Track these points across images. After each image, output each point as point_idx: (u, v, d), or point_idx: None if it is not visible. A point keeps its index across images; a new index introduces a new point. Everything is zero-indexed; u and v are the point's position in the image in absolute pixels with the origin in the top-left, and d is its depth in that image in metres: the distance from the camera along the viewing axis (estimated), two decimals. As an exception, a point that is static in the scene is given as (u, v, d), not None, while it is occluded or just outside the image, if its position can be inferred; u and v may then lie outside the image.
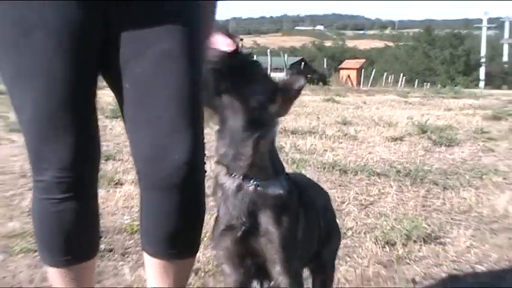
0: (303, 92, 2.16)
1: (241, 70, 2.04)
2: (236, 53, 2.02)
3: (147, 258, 2.30)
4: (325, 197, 2.64)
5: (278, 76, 2.17)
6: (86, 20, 2.02)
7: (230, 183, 2.07)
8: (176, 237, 2.23)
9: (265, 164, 2.08)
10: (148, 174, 2.17)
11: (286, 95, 2.08)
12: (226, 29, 2.10)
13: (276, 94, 2.06)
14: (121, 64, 2.09)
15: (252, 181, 2.05)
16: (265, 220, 2.05)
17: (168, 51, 2.06)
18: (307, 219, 2.23)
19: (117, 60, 2.09)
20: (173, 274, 2.27)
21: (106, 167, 5.69)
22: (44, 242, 2.29)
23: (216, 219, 2.15)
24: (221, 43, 2.01)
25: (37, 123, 2.08)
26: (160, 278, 2.28)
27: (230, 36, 2.02)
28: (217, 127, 2.10)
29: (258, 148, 2.04)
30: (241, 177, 2.05)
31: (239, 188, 2.05)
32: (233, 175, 2.06)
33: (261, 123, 2.05)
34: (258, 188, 2.05)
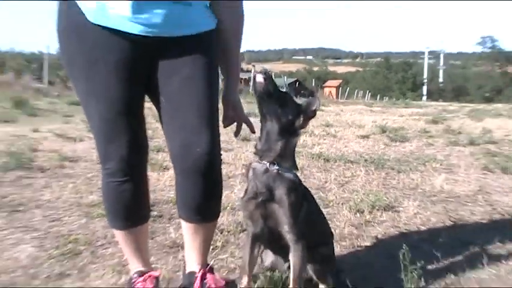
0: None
1: (275, 96, 2.78)
2: (269, 83, 2.77)
3: (183, 222, 3.03)
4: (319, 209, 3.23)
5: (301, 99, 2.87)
6: (136, 56, 2.68)
7: (260, 167, 2.78)
8: (201, 207, 2.92)
9: (286, 159, 2.79)
10: (179, 162, 2.83)
11: (306, 114, 2.79)
12: (264, 69, 2.88)
13: (299, 114, 2.78)
14: (159, 84, 2.77)
15: (274, 166, 2.75)
16: (280, 192, 2.73)
17: (191, 75, 2.74)
18: (307, 211, 2.87)
19: (156, 82, 2.77)
20: (201, 233, 3.01)
21: (157, 157, 6.68)
22: (111, 212, 3.01)
23: (245, 191, 2.86)
24: (258, 77, 2.80)
25: (102, 128, 2.76)
26: (192, 236, 3.02)
27: (264, 72, 2.80)
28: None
29: (284, 148, 2.78)
30: (268, 163, 2.75)
31: (266, 170, 2.76)
32: (263, 162, 2.77)
33: (288, 132, 2.78)
34: (279, 171, 2.75)
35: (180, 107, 2.76)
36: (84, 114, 2.81)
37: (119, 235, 3.05)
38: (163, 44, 2.70)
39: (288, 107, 2.78)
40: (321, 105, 2.95)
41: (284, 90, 2.94)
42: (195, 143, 2.74)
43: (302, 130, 2.88)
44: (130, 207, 2.95)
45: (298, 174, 2.86)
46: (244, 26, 3.01)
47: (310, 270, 3.02)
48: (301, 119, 2.79)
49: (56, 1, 2.68)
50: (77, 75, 2.71)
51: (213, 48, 2.84)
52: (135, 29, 2.59)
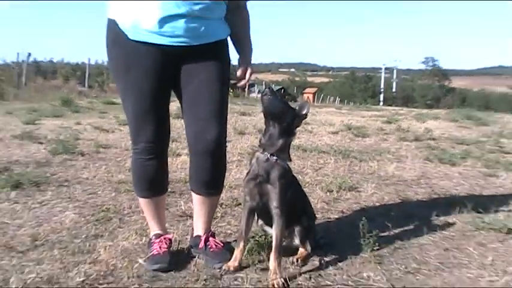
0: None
1: (278, 106, 2.80)
2: (273, 97, 2.79)
3: (193, 195, 3.14)
4: (303, 190, 3.31)
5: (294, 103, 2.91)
6: (164, 62, 2.79)
7: (262, 156, 2.82)
8: (208, 182, 3.03)
9: (283, 152, 2.82)
10: (194, 145, 2.94)
11: (299, 117, 2.86)
12: (269, 87, 2.95)
13: (295, 118, 2.84)
14: (182, 84, 2.90)
15: (273, 157, 2.79)
16: (274, 176, 2.78)
17: (207, 78, 2.85)
18: (293, 191, 2.94)
19: (180, 81, 2.89)
20: (207, 204, 3.11)
21: (172, 145, 6.50)
22: (138, 184, 3.08)
23: (247, 173, 2.91)
24: (264, 94, 2.82)
25: (134, 117, 2.88)
26: (200, 206, 3.12)
27: (270, 90, 2.83)
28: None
29: (283, 144, 2.80)
30: (269, 154, 2.79)
31: (267, 160, 2.80)
32: (265, 153, 2.80)
33: (287, 132, 2.82)
34: (278, 161, 2.79)
35: (198, 102, 2.87)
36: (122, 107, 2.96)
37: (143, 202, 3.11)
38: (185, 51, 2.78)
39: (287, 114, 2.81)
40: (309, 109, 2.93)
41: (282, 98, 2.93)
42: (207, 130, 2.86)
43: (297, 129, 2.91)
44: (153, 180, 3.02)
45: (291, 164, 2.88)
46: (249, 22, 3.12)
47: (295, 237, 3.06)
48: (296, 121, 2.85)
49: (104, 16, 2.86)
50: (119, 76, 2.86)
51: (226, 52, 2.96)
52: (162, 40, 2.71)
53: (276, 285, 2.63)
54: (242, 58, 3.07)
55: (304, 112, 2.87)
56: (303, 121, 2.92)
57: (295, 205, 2.98)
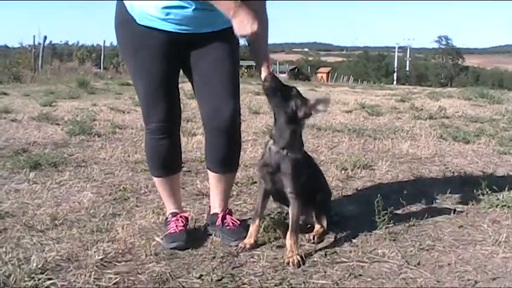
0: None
1: (280, 92, 2.72)
2: (273, 81, 2.72)
3: (209, 172, 3.14)
4: (319, 169, 3.31)
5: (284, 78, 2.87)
6: (171, 45, 2.80)
7: (274, 148, 2.79)
8: (224, 160, 3.05)
9: (293, 143, 2.77)
10: (209, 123, 2.95)
11: (308, 109, 2.73)
12: (271, 71, 2.87)
13: (302, 106, 2.72)
14: (192, 65, 2.90)
15: (284, 150, 2.76)
16: (285, 167, 2.76)
17: (218, 57, 2.84)
18: (308, 175, 2.90)
19: (190, 63, 2.89)
20: (223, 182, 3.12)
21: (187, 125, 6.65)
22: (152, 163, 3.10)
23: (262, 157, 2.91)
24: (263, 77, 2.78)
25: (145, 98, 2.90)
26: (216, 184, 3.13)
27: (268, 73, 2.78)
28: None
29: (291, 135, 2.75)
30: (279, 147, 2.76)
31: (277, 152, 2.77)
32: (276, 145, 2.77)
33: (293, 122, 2.74)
34: (287, 154, 2.76)
35: (211, 81, 2.88)
36: (134, 87, 3.00)
37: (157, 181, 3.12)
38: (192, 37, 2.80)
39: (291, 100, 2.72)
40: (327, 107, 2.82)
41: (291, 86, 2.83)
42: (222, 108, 2.87)
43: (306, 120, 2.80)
44: (166, 159, 3.03)
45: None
46: (268, 28, 2.96)
47: (311, 214, 3.06)
48: (303, 110, 2.73)
49: (115, 0, 2.87)
50: (128, 57, 2.91)
51: (234, 37, 2.75)
52: (168, 27, 2.74)
53: (291, 263, 2.65)
54: (257, 65, 2.92)
55: (319, 108, 2.76)
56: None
57: (312, 185, 2.97)
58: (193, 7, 2.69)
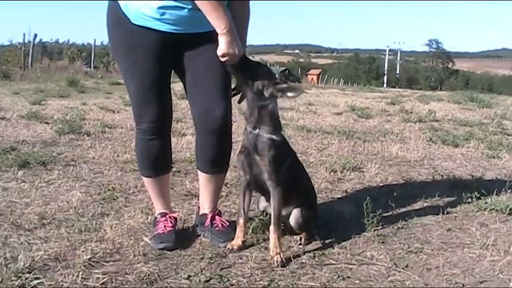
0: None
1: (250, 68, 2.75)
2: (245, 57, 2.77)
3: (199, 173, 3.14)
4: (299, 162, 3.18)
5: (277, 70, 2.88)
6: (165, 45, 2.80)
7: (249, 128, 2.78)
8: (214, 160, 3.04)
9: (265, 123, 2.75)
10: (200, 123, 2.96)
11: (275, 90, 2.71)
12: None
13: (269, 85, 2.71)
14: (185, 65, 2.90)
15: (258, 130, 2.74)
16: (261, 147, 2.74)
17: (211, 57, 2.75)
18: (289, 166, 2.86)
19: (182, 63, 2.90)
20: (213, 182, 3.12)
21: (177, 126, 6.60)
22: (142, 163, 3.09)
23: (240, 148, 2.87)
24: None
25: (136, 97, 2.89)
26: (206, 184, 3.12)
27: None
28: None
29: (260, 112, 2.73)
30: (251, 128, 2.76)
31: (251, 132, 2.76)
32: (250, 126, 2.76)
33: (261, 99, 2.72)
34: (260, 134, 2.74)
35: (202, 81, 2.90)
36: (125, 87, 2.99)
37: (147, 181, 3.11)
38: (186, 37, 2.81)
39: (257, 79, 2.71)
40: (300, 94, 2.85)
41: (261, 63, 2.91)
42: (214, 108, 2.88)
43: (276, 99, 2.77)
44: (156, 159, 3.02)
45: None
46: (249, 18, 3.07)
47: (294, 226, 2.97)
48: (269, 90, 2.71)
49: (107, 1, 2.87)
50: (120, 57, 2.91)
51: None
52: (163, 27, 2.74)
53: (275, 262, 2.65)
54: None
55: (289, 94, 2.73)
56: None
57: (295, 181, 2.93)
58: (189, 7, 2.70)
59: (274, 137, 2.76)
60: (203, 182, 3.12)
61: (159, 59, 2.82)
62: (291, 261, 2.71)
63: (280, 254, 2.69)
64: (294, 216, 2.95)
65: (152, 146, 2.96)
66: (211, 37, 2.76)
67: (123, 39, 2.82)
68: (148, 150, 2.98)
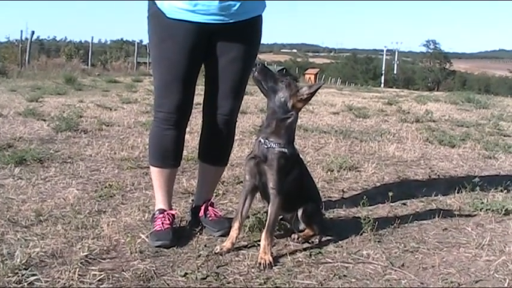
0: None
1: (271, 81, 2.76)
2: (260, 72, 2.77)
3: (200, 163, 3.30)
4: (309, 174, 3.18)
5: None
6: (198, 38, 2.88)
7: (262, 141, 2.78)
8: (216, 154, 3.20)
9: (280, 134, 2.76)
10: (208, 117, 3.11)
11: (297, 99, 2.74)
12: (257, 61, 3.08)
13: (290, 98, 2.73)
14: (213, 60, 2.98)
15: (271, 142, 2.74)
16: (271, 159, 2.74)
17: (234, 57, 2.96)
18: (296, 177, 2.88)
19: (212, 57, 2.98)
20: (212, 174, 3.27)
21: None
22: (153, 151, 3.13)
23: (251, 153, 2.88)
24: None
25: (159, 87, 2.98)
26: (204, 174, 3.27)
27: (257, 64, 2.89)
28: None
29: (277, 124, 2.75)
30: (264, 139, 2.76)
31: (264, 143, 2.76)
32: (263, 136, 2.78)
33: (281, 112, 2.74)
34: (275, 146, 2.74)
35: (220, 78, 3.00)
36: (152, 74, 3.13)
37: (154, 172, 3.13)
38: (221, 28, 2.87)
39: (279, 91, 2.73)
40: (311, 91, 2.77)
41: (282, 75, 2.94)
42: (222, 106, 3.03)
43: (295, 112, 2.77)
44: (167, 150, 3.05)
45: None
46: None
47: (299, 222, 2.97)
48: (291, 102, 2.73)
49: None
50: (152, 46, 3.01)
51: (260, 29, 3.06)
52: (197, 18, 2.81)
53: (262, 264, 2.63)
54: None
55: (305, 91, 2.73)
56: (305, 103, 2.78)
57: (301, 190, 2.93)
58: None
59: (284, 149, 2.76)
60: (202, 172, 3.26)
61: (189, 52, 2.88)
62: (273, 263, 2.68)
63: (269, 257, 2.67)
64: (299, 212, 2.95)
65: (166, 136, 3.01)
66: (247, 26, 2.92)
67: (157, 31, 2.94)
68: (161, 139, 3.04)
